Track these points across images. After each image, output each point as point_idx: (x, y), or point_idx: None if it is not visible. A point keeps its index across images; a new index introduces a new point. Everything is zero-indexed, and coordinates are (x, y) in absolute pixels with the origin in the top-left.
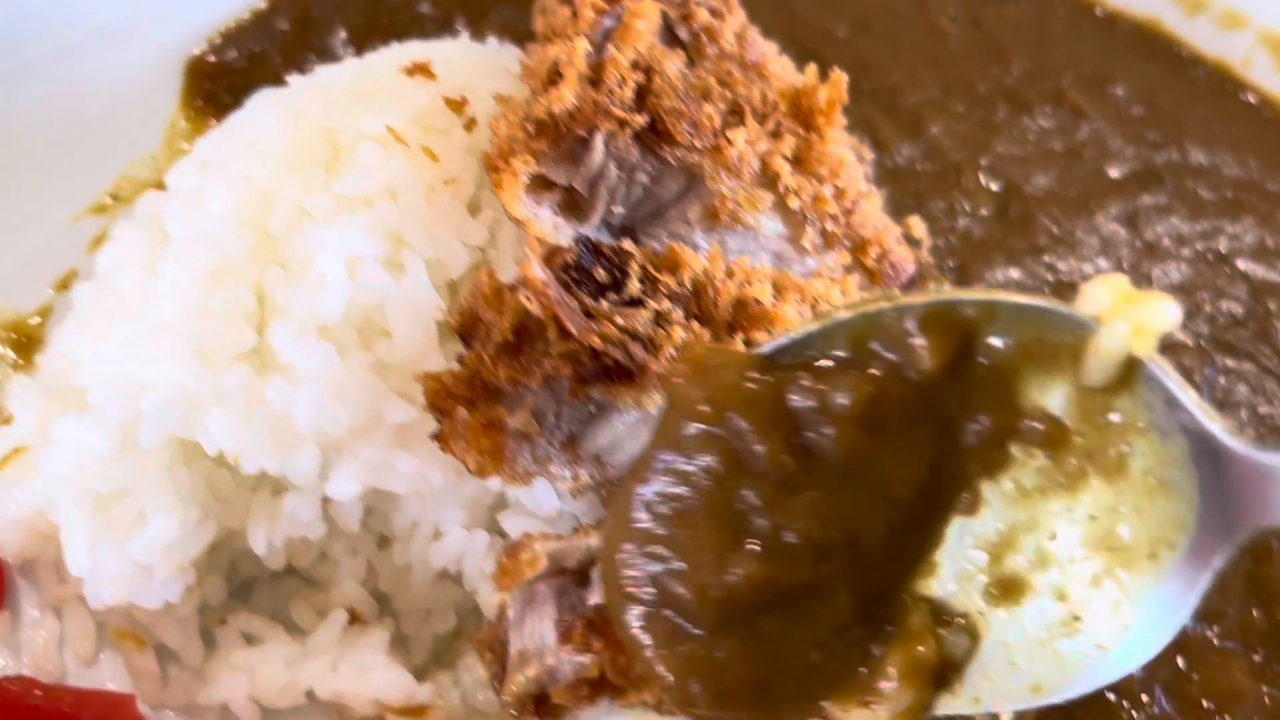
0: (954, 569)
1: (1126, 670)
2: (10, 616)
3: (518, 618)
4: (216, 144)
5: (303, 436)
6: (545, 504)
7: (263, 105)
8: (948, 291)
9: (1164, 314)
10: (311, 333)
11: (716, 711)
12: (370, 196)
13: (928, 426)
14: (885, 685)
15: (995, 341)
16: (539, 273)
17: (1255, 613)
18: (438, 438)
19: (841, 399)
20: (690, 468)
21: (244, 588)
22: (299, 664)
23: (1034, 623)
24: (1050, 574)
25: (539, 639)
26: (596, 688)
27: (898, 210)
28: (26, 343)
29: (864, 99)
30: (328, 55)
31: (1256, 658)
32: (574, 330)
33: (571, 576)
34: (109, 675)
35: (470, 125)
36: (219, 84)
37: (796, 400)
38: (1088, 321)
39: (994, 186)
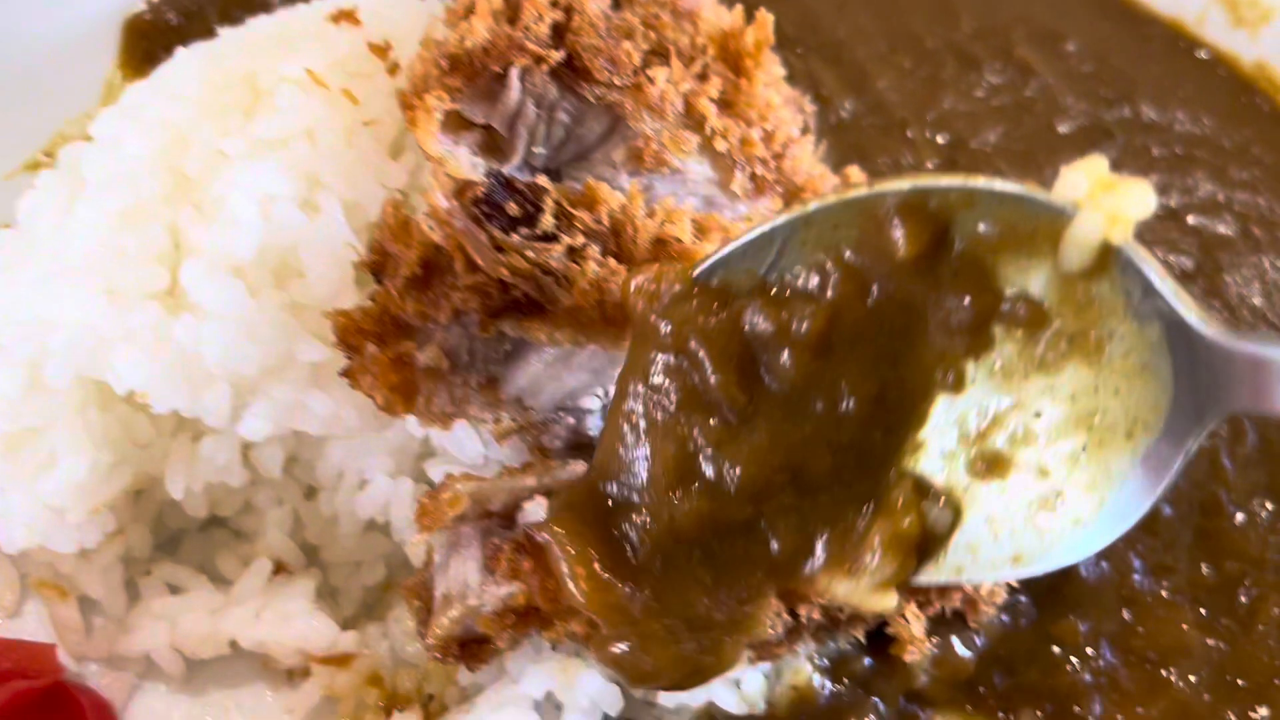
0: (939, 446)
1: (1101, 545)
2: None
3: (443, 562)
4: (140, 93)
5: (212, 375)
6: (470, 450)
7: (188, 54)
8: (925, 177)
9: (1140, 201)
10: (222, 271)
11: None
12: (287, 138)
13: (906, 313)
14: (868, 556)
15: (974, 227)
16: (443, 202)
17: (1204, 567)
18: (347, 374)
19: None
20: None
21: (171, 541)
22: (222, 613)
23: (1016, 497)
24: (1032, 451)
25: (463, 580)
26: (523, 618)
27: (840, 164)
28: None
29: (809, 53)
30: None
31: (1203, 611)
32: (481, 262)
33: (498, 519)
34: (33, 627)
35: (394, 70)
36: (157, 42)
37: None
38: (1065, 208)
39: (940, 140)
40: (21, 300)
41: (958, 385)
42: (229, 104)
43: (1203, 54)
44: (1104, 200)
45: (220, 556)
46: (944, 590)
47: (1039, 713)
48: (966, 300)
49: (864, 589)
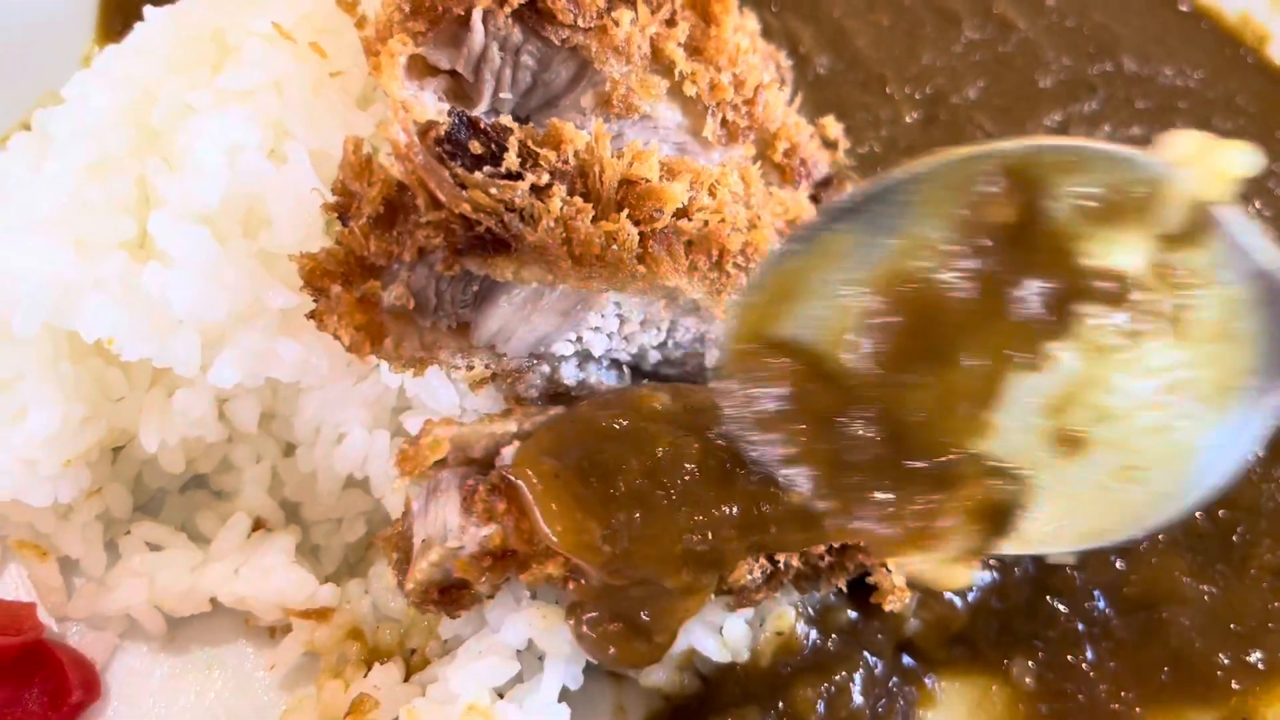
0: (1019, 423)
1: (1183, 512)
2: None
3: (421, 508)
4: (110, 55)
5: (181, 322)
6: (446, 400)
7: (156, 13)
8: (1034, 139)
9: (1240, 159)
10: (189, 220)
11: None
12: (254, 90)
13: (997, 290)
14: (942, 528)
15: (1073, 190)
16: (402, 137)
17: (1197, 514)
18: (313, 315)
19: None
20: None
21: (152, 502)
22: (201, 569)
23: (1096, 471)
24: (1113, 426)
25: (442, 524)
26: (500, 561)
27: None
28: None
29: (786, 9)
30: None
31: (1196, 558)
32: (444, 198)
33: (477, 466)
34: (13, 589)
35: (361, 23)
36: (134, 16)
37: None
38: (1168, 167)
39: (919, 96)
40: None
41: (1039, 364)
42: (196, 59)
43: (1184, 7)
44: (1206, 159)
45: (200, 516)
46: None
47: (1031, 662)
48: (1055, 278)
49: (936, 562)
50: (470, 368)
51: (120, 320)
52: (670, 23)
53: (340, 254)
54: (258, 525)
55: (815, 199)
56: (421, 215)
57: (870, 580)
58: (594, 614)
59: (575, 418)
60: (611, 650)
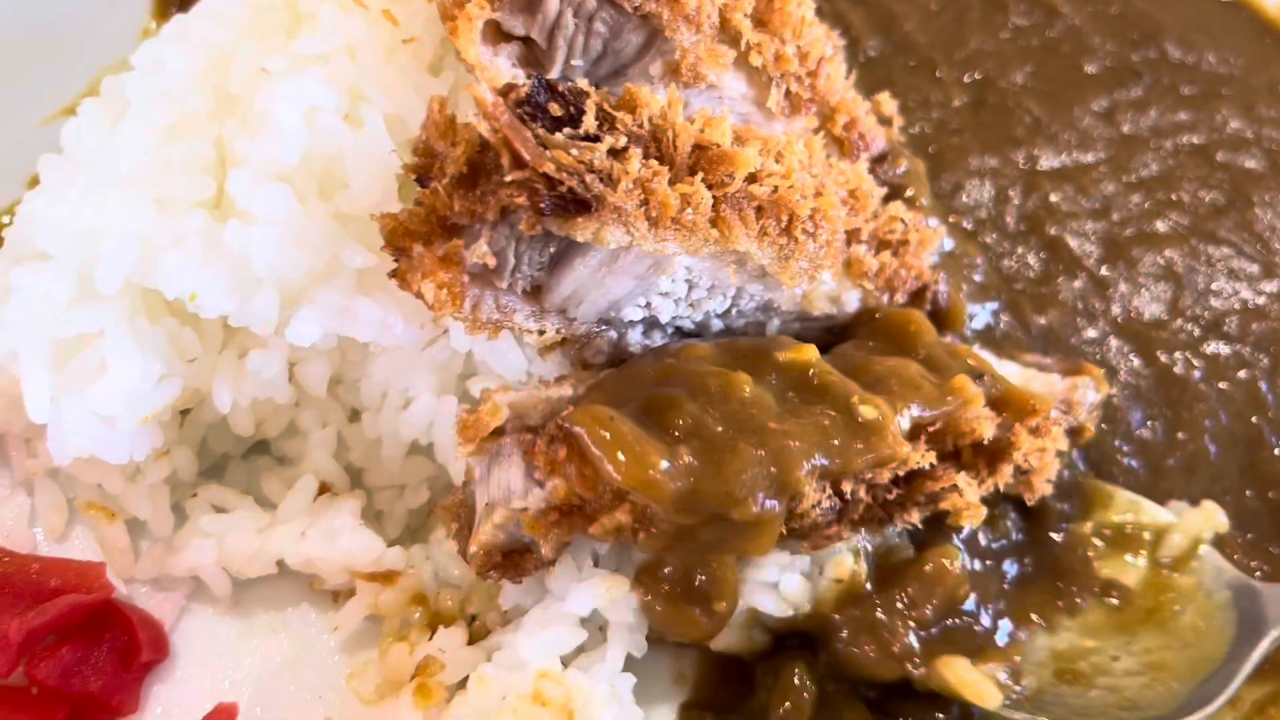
0: (1032, 659)
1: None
2: None
3: (484, 475)
4: (180, 22)
5: (261, 279)
6: (513, 365)
7: None
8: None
9: (1221, 521)
10: (269, 178)
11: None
12: (329, 54)
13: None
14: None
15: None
16: (489, 95)
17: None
18: (395, 274)
19: None
20: None
21: (216, 467)
22: (268, 531)
23: (1095, 702)
24: (1108, 679)
25: (506, 487)
26: (566, 516)
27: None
28: None
29: None
30: None
31: (1250, 537)
32: (528, 156)
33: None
34: (80, 551)
35: None
36: None
37: None
38: (1173, 517)
39: (968, 79)
40: (71, 212)
41: (1052, 630)
42: (270, 25)
43: None
44: (1197, 519)
45: (265, 480)
46: (994, 465)
47: None
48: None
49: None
50: (542, 332)
51: (201, 277)
52: None
53: (422, 214)
54: (323, 489)
55: (872, 173)
56: (505, 175)
57: (943, 505)
58: (663, 576)
59: (626, 370)
60: (677, 621)
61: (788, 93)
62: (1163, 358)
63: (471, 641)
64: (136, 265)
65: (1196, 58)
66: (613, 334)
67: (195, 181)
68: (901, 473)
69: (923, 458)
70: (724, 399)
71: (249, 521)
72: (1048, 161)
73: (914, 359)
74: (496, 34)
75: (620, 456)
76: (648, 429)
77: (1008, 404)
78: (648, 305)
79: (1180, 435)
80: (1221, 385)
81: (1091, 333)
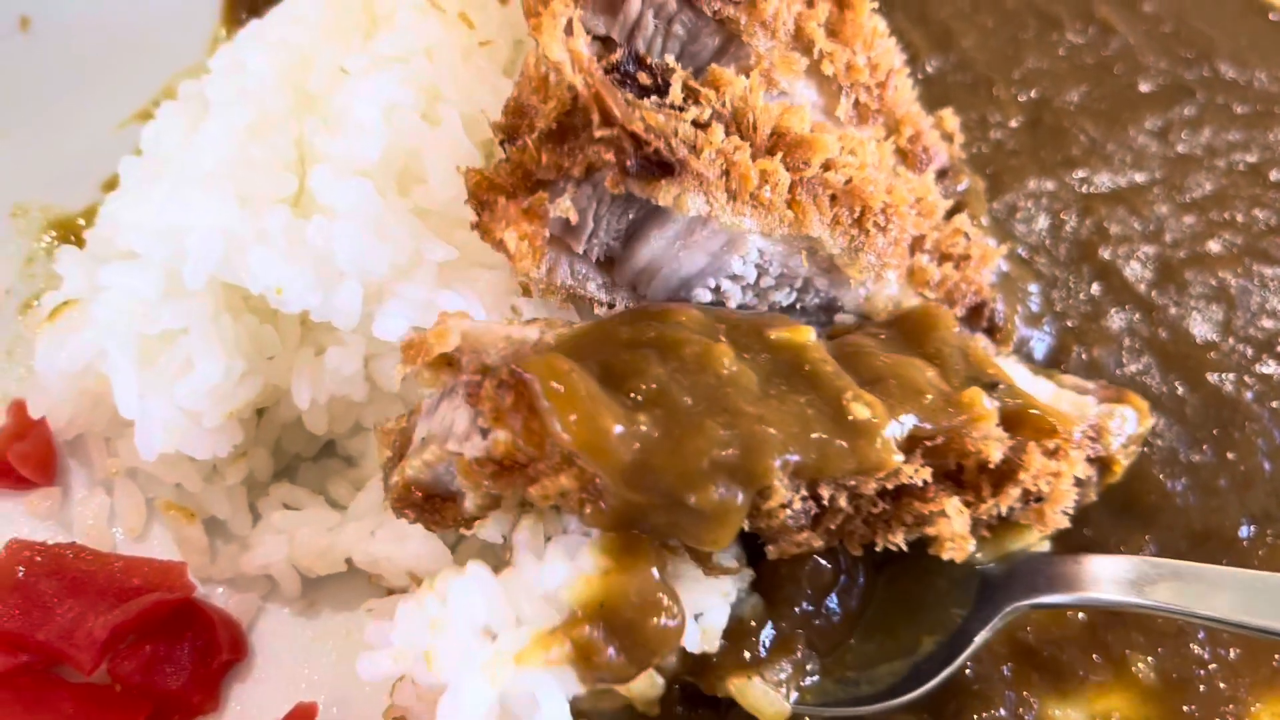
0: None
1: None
2: (60, 493)
3: (431, 407)
4: (258, 25)
5: (344, 273)
6: None
7: None
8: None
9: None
10: (350, 174)
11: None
12: (407, 55)
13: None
14: None
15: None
16: (584, 49)
17: None
18: (478, 226)
19: None
20: None
21: (288, 469)
22: (339, 529)
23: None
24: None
25: (448, 426)
26: (505, 470)
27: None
28: (74, 242)
29: (894, 9)
30: None
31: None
32: (618, 114)
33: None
34: (158, 551)
35: None
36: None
37: None
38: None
39: (1024, 99)
40: (155, 211)
41: None
42: (348, 26)
43: (1275, 17)
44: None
45: (333, 482)
46: (1001, 489)
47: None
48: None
49: None
50: (611, 306)
51: (285, 272)
52: (810, 3)
53: (508, 169)
54: None
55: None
56: (594, 132)
57: (929, 531)
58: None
59: (602, 324)
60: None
61: (856, 102)
62: (1212, 379)
63: None
64: (221, 261)
65: (1249, 76)
66: None
67: (277, 178)
68: (890, 485)
69: (916, 473)
70: (699, 369)
71: (320, 519)
72: (1102, 182)
73: (925, 353)
74: (577, 33)
75: (571, 414)
76: (608, 386)
77: (1023, 421)
78: (717, 288)
79: (1230, 455)
80: (1275, 405)
81: (1140, 363)
